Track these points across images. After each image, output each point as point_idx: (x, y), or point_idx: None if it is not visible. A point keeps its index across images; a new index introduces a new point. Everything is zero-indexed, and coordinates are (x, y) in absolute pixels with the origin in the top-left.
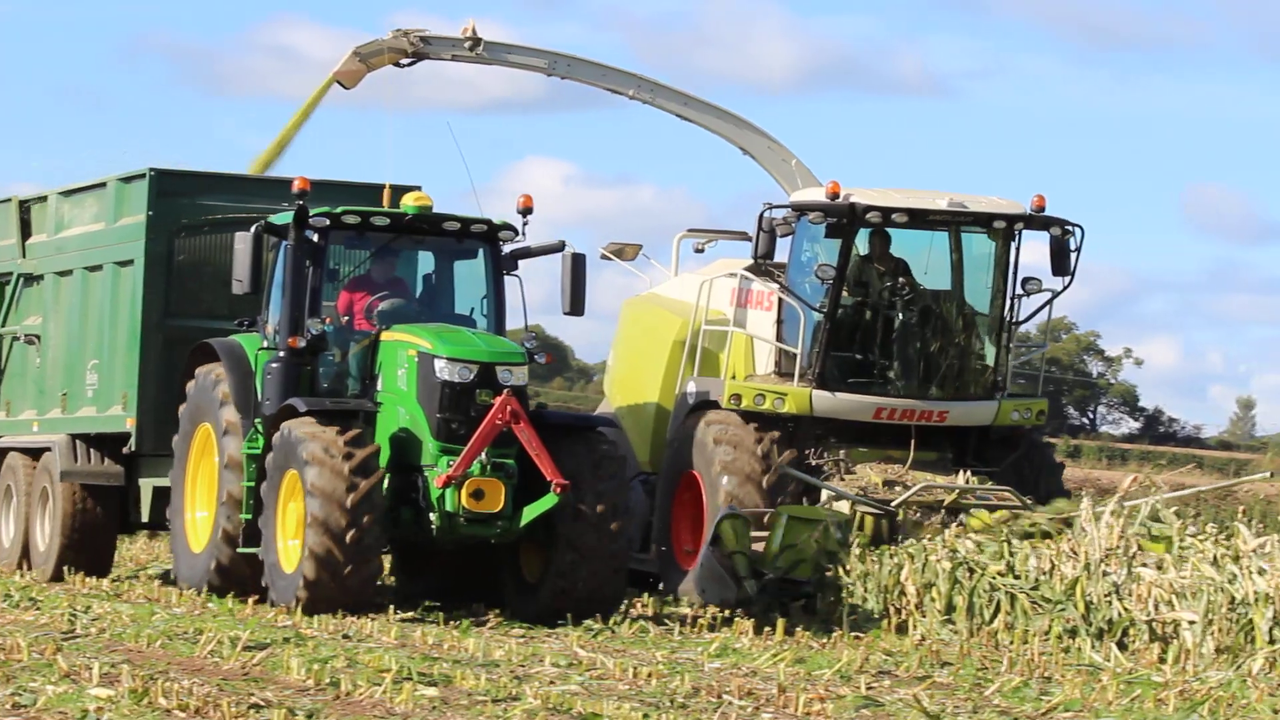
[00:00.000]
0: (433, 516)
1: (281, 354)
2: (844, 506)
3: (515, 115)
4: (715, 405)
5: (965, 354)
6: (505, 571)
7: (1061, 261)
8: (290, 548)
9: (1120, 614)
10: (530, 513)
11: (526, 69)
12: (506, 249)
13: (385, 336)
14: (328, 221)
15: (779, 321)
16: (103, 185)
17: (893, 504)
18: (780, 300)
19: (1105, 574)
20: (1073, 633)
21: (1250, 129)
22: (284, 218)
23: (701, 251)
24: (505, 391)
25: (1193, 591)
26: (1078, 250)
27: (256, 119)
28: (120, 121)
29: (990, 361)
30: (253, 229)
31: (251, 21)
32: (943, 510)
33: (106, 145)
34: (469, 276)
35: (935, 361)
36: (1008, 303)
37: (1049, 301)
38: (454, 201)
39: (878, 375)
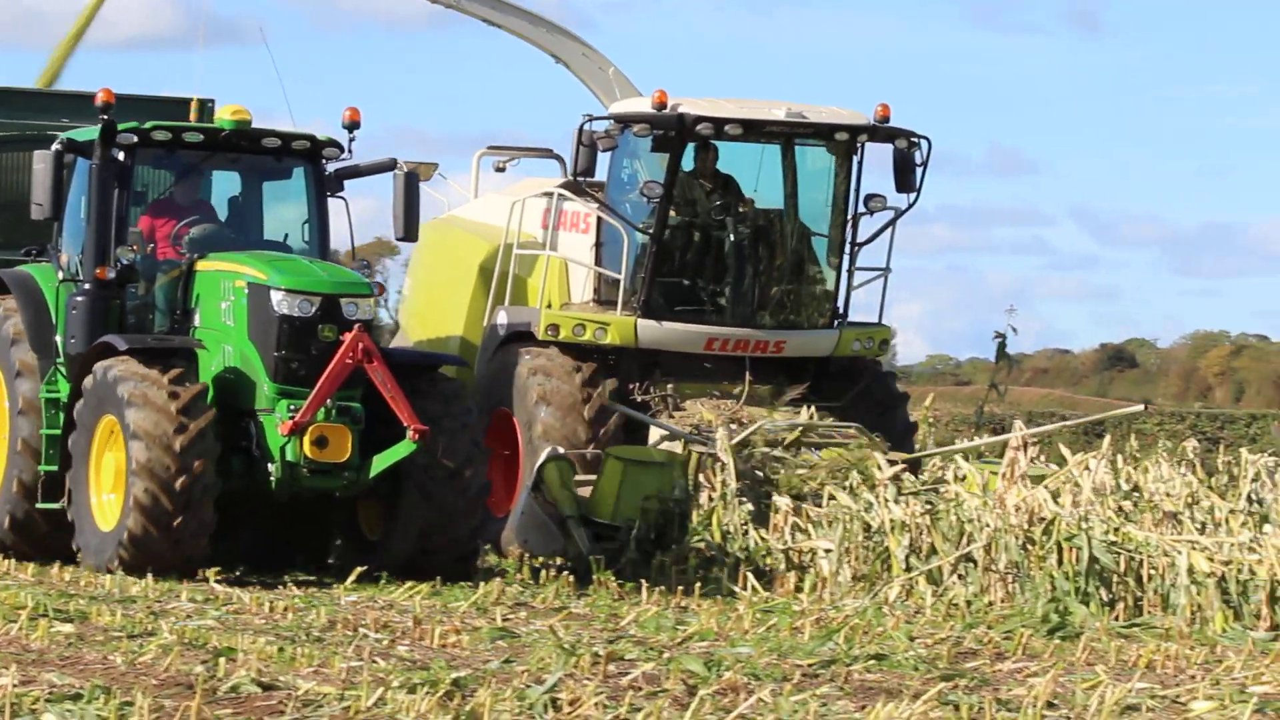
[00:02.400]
0: (271, 467)
1: (87, 287)
2: (675, 446)
3: (154, 52)
4: (530, 337)
5: (802, 279)
6: (340, 528)
7: (906, 177)
8: (107, 503)
9: (757, 543)
10: (381, 462)
11: None
12: (330, 168)
13: (202, 266)
14: (136, 139)
15: (598, 245)
16: None
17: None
18: (599, 221)
19: (742, 503)
20: (710, 562)
21: (902, 60)
22: (87, 134)
23: (503, 170)
24: (356, 326)
25: (829, 520)
26: (924, 164)
27: None
28: None
29: (830, 287)
30: (53, 148)
31: None
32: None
33: None
34: (280, 199)
35: (770, 287)
36: (848, 222)
37: (893, 221)
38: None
39: (708, 302)
